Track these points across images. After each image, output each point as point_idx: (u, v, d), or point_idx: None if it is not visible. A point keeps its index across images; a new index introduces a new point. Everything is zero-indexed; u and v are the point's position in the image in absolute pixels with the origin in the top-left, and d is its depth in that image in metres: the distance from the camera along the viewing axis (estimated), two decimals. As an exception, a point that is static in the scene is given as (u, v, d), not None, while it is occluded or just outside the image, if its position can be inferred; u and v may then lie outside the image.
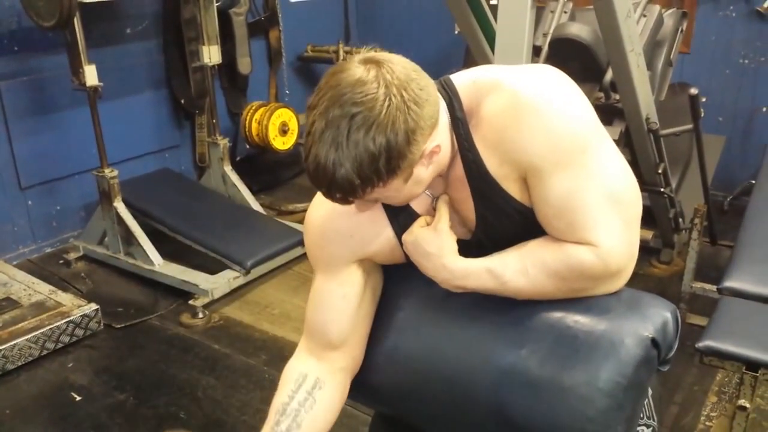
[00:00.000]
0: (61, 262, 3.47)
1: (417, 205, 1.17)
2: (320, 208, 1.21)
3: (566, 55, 2.77)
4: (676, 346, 1.15)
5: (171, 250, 3.34)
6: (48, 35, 3.24)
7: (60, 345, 2.75)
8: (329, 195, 1.03)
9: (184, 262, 3.29)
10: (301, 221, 1.38)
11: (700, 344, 1.85)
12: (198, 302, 3.05)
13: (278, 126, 4.09)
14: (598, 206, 1.06)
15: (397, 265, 1.24)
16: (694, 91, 2.73)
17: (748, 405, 1.79)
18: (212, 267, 3.22)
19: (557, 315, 1.12)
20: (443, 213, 1.14)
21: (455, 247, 1.13)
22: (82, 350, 2.79)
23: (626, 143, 2.88)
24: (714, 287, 2.28)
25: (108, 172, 3.25)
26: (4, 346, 2.59)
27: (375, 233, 1.20)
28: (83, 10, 3.00)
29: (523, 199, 1.10)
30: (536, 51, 2.88)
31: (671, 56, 3.12)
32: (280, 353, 2.73)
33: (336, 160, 0.97)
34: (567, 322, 1.11)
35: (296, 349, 1.31)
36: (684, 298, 2.84)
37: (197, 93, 3.84)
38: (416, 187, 1.08)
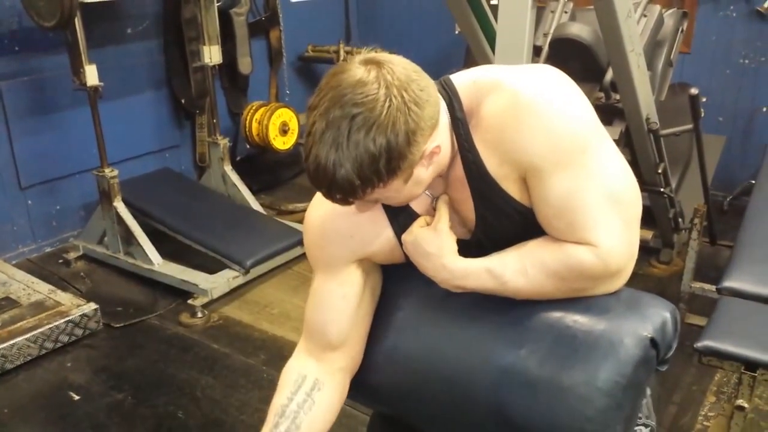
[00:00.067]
0: (61, 261, 3.47)
1: (417, 205, 1.17)
2: (320, 208, 1.21)
3: (567, 55, 2.77)
4: (675, 346, 1.15)
5: (170, 250, 3.33)
6: (49, 35, 3.24)
7: (59, 344, 2.75)
8: (329, 195, 1.03)
9: (183, 261, 3.29)
10: (301, 221, 1.38)
11: (699, 344, 1.85)
12: (197, 302, 3.05)
13: (278, 126, 4.10)
14: (597, 206, 1.06)
15: (396, 265, 1.24)
16: (694, 91, 2.73)
17: (746, 405, 1.79)
18: (212, 266, 3.22)
19: (556, 315, 1.13)
20: (443, 213, 1.14)
21: (455, 247, 1.13)
22: (81, 350, 2.79)
23: (626, 143, 2.88)
24: (713, 287, 2.28)
25: (108, 171, 3.25)
26: (3, 346, 2.59)
27: (375, 233, 1.20)
28: (84, 10, 3.00)
29: (522, 199, 1.10)
30: (537, 51, 2.89)
31: (671, 56, 3.12)
32: (279, 353, 2.73)
33: (336, 160, 0.97)
34: (566, 322, 1.12)
35: (295, 350, 1.31)
36: (683, 298, 2.84)
37: (198, 93, 3.84)
38: (416, 188, 1.08)
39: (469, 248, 1.14)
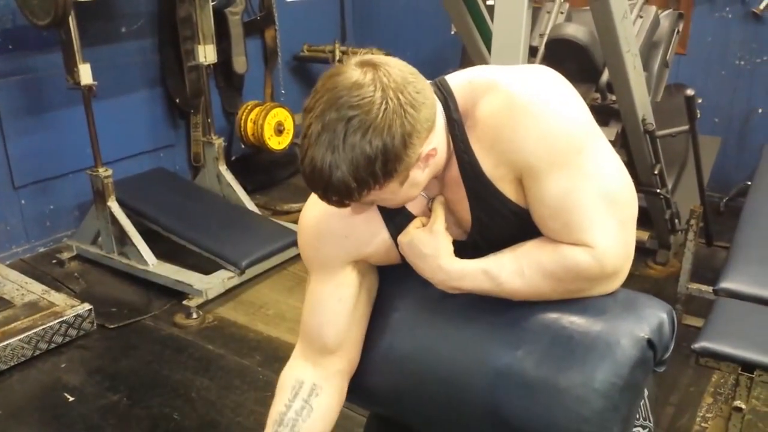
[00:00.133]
0: (55, 261, 3.45)
1: (413, 207, 1.16)
2: (315, 208, 1.20)
3: (563, 55, 2.78)
4: (672, 347, 1.15)
5: (165, 250, 3.32)
6: (43, 34, 3.23)
7: (53, 345, 2.74)
8: (325, 197, 1.03)
9: (178, 262, 3.28)
10: (296, 221, 1.37)
11: (696, 345, 1.85)
12: (192, 302, 3.04)
13: (274, 126, 4.09)
14: (593, 207, 1.06)
15: (392, 266, 1.23)
16: (690, 92, 2.73)
17: (743, 406, 1.79)
18: (206, 267, 3.21)
19: (553, 316, 1.12)
20: (439, 214, 1.14)
21: (451, 248, 1.13)
22: (75, 351, 2.78)
23: (622, 144, 2.89)
24: (710, 288, 2.28)
25: (102, 171, 3.24)
26: (-4, 347, 2.58)
27: (370, 234, 1.19)
28: (78, 9, 2.99)
29: (518, 200, 1.10)
30: (533, 52, 2.88)
31: (667, 57, 3.13)
32: (274, 354, 2.73)
33: (332, 162, 0.97)
34: (563, 323, 1.11)
35: (292, 355, 1.30)
36: (680, 299, 2.84)
37: (192, 92, 3.83)
38: (412, 190, 1.07)
39: (465, 249, 1.14)
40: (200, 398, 2.50)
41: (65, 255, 3.46)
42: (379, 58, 1.02)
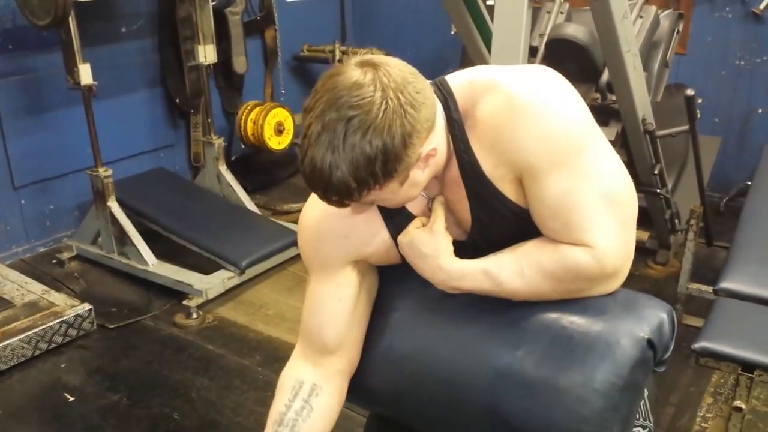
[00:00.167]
0: (55, 261, 3.45)
1: (413, 207, 1.16)
2: (315, 208, 1.20)
3: (563, 55, 2.78)
4: (672, 347, 1.15)
5: (165, 250, 3.32)
6: (43, 34, 3.23)
7: (53, 345, 2.74)
8: (325, 198, 1.03)
9: (178, 262, 3.28)
10: (296, 221, 1.37)
11: (696, 345, 1.85)
12: (192, 302, 3.04)
13: (274, 126, 4.09)
14: (593, 207, 1.06)
15: (392, 266, 1.23)
16: (690, 92, 2.73)
17: (743, 406, 1.79)
18: (206, 267, 3.21)
19: (553, 316, 1.12)
20: (439, 214, 1.14)
21: (451, 248, 1.13)
22: (75, 351, 2.78)
23: (622, 144, 2.89)
24: (710, 288, 2.28)
25: (102, 171, 3.23)
26: (-4, 347, 2.58)
27: (370, 234, 1.19)
28: (78, 9, 2.99)
29: (518, 200, 1.10)
30: (533, 52, 2.88)
31: (667, 57, 3.13)
32: (274, 354, 2.73)
33: (332, 162, 0.97)
34: (563, 323, 1.11)
35: (292, 355, 1.30)
36: (680, 299, 2.84)
37: (192, 92, 3.83)
38: (412, 190, 1.07)
39: (465, 249, 1.14)
40: (200, 398, 2.50)
41: (65, 255, 3.46)
42: (379, 58, 1.02)
